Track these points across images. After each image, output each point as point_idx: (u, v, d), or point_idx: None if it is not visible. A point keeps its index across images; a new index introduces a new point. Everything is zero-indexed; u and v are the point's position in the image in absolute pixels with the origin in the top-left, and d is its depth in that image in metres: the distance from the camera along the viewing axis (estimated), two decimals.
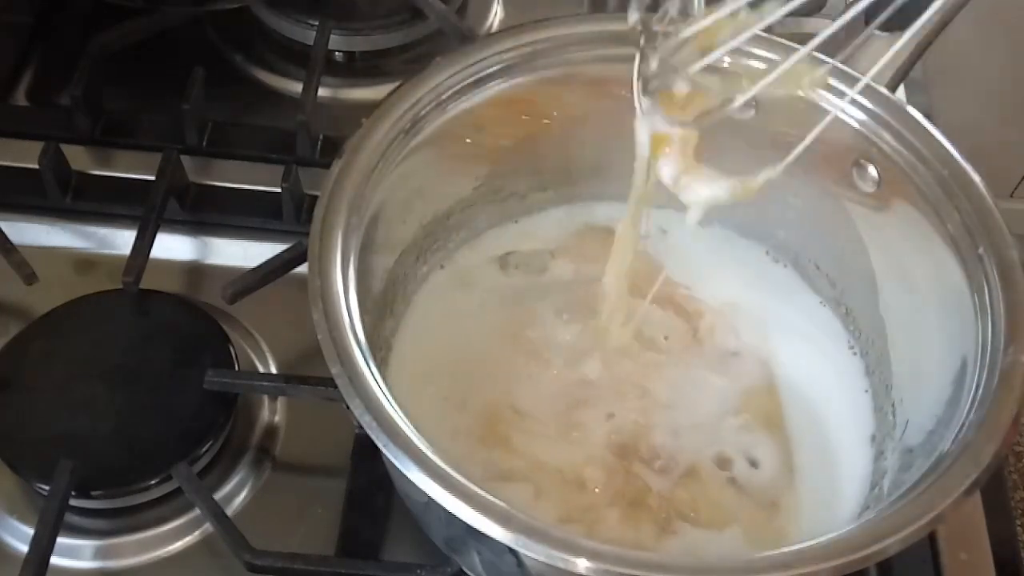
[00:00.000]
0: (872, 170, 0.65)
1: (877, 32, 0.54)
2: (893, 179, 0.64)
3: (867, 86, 0.64)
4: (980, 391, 0.56)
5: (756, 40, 0.66)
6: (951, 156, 0.62)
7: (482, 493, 0.50)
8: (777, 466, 0.66)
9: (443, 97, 0.64)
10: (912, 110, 0.64)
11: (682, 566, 0.53)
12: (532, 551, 0.49)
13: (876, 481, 0.64)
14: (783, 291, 0.73)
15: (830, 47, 0.53)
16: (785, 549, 0.51)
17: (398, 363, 0.68)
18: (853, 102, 0.64)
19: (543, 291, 0.72)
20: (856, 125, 0.65)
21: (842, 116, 0.65)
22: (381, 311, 0.66)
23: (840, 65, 0.65)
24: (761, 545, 0.62)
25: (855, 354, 0.70)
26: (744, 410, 0.67)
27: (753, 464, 0.66)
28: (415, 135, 0.64)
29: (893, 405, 0.66)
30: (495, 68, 0.66)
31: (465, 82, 0.65)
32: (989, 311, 0.58)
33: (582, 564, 0.49)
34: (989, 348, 0.57)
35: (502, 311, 0.71)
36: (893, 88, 0.67)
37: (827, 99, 0.64)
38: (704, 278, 0.73)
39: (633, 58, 0.57)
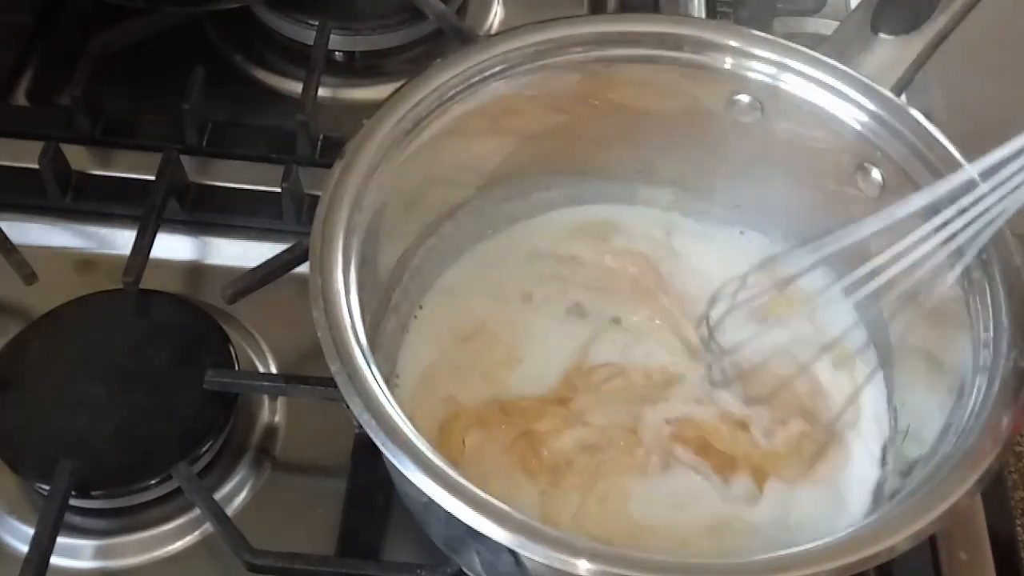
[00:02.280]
0: (876, 173, 0.65)
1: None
2: (898, 183, 0.64)
3: (871, 89, 0.64)
4: (981, 395, 0.56)
5: (756, 40, 0.67)
6: (953, 158, 0.62)
7: (482, 493, 0.50)
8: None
9: (445, 98, 0.64)
10: (916, 113, 0.64)
11: (682, 566, 0.52)
12: (531, 551, 0.49)
13: (878, 484, 0.64)
14: None
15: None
16: (787, 551, 0.51)
17: (399, 361, 0.67)
18: (857, 105, 0.64)
19: (545, 290, 0.71)
20: (860, 128, 0.65)
21: (846, 119, 0.65)
22: (382, 310, 0.66)
23: (843, 66, 0.65)
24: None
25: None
26: (745, 412, 0.67)
27: (755, 468, 0.65)
28: (417, 136, 0.63)
29: (895, 410, 0.66)
30: (496, 69, 0.65)
31: (467, 83, 0.65)
32: (990, 314, 0.58)
33: (582, 564, 0.49)
34: (990, 352, 0.57)
35: (503, 310, 0.71)
36: (899, 92, 0.66)
37: (831, 102, 0.65)
38: (704, 279, 0.72)
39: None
